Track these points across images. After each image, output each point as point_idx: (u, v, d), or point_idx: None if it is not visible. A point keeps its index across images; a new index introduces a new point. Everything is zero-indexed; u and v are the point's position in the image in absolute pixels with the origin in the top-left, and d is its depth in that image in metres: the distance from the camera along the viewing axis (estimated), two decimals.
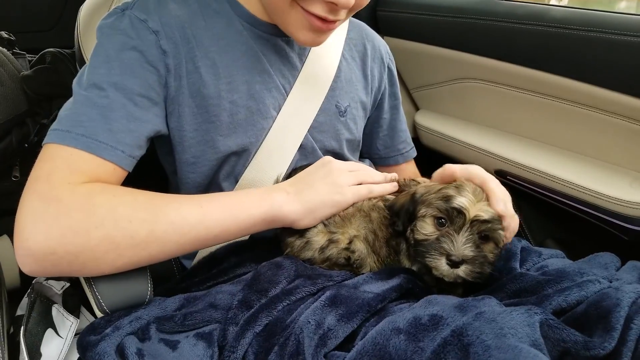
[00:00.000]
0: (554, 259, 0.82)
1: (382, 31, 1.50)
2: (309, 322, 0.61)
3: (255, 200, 0.75)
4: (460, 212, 0.67)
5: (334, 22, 0.77)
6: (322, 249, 0.78)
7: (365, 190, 0.79)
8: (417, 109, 1.56)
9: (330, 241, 0.78)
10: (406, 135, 1.11)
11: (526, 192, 1.25)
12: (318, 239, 0.78)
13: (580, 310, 0.63)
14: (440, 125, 1.42)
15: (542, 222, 1.33)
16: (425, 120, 1.48)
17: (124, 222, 0.66)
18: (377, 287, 0.68)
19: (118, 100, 0.72)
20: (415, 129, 1.52)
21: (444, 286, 0.76)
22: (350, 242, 0.77)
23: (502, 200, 0.71)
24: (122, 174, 0.73)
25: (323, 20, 0.75)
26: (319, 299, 0.65)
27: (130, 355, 0.62)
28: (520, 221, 1.31)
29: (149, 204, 0.69)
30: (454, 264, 0.67)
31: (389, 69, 1.05)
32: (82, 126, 0.69)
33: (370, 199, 0.80)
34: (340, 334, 0.60)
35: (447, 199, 0.69)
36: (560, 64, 1.07)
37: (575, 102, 1.09)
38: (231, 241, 0.84)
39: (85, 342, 0.65)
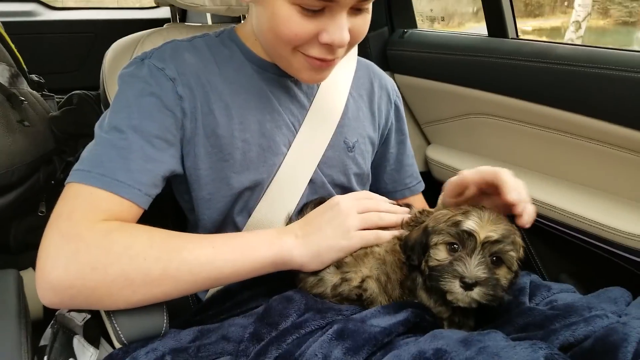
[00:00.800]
0: (563, 294, 0.82)
1: (392, 69, 1.57)
2: (316, 355, 0.63)
3: (266, 243, 0.78)
4: (470, 234, 0.69)
5: (333, 60, 0.82)
6: (335, 287, 0.80)
7: (372, 236, 0.80)
8: (428, 143, 1.60)
9: (343, 279, 0.80)
10: (413, 169, 1.14)
11: (537, 226, 1.26)
12: (331, 277, 0.81)
13: (587, 346, 0.64)
14: (450, 159, 1.46)
15: (556, 256, 1.34)
16: (436, 154, 1.52)
17: (139, 260, 0.69)
18: (385, 321, 0.70)
19: (136, 142, 0.77)
20: (426, 162, 1.55)
21: (456, 318, 0.77)
22: (362, 282, 0.79)
23: (514, 189, 0.73)
24: (138, 212, 0.77)
25: (322, 60, 0.81)
26: (327, 332, 0.67)
27: None
28: (533, 255, 1.32)
29: (164, 243, 0.73)
30: (468, 287, 0.68)
31: (396, 106, 1.09)
32: (102, 166, 0.74)
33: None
34: None
35: (457, 224, 0.71)
36: (566, 99, 1.10)
37: (583, 136, 1.12)
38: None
39: None
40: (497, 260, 0.71)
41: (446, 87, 1.40)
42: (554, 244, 1.30)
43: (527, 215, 0.74)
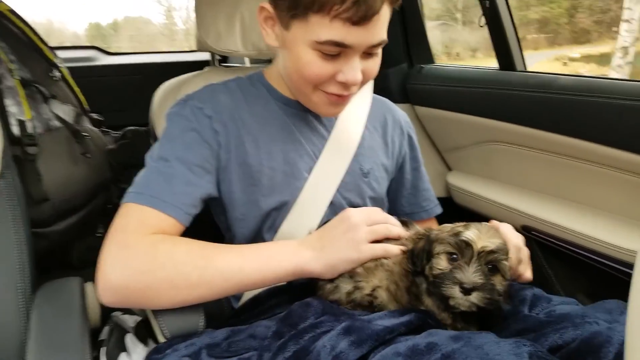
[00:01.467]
0: (563, 305, 0.87)
1: (412, 102, 1.66)
2: (325, 346, 0.73)
3: (287, 255, 0.88)
4: (468, 244, 0.77)
5: (348, 95, 0.94)
6: (349, 294, 0.89)
7: (381, 250, 0.87)
8: (449, 169, 1.69)
9: (356, 287, 0.88)
10: (429, 194, 1.22)
11: (553, 247, 1.31)
12: (345, 285, 0.89)
13: (573, 347, 0.70)
14: (470, 185, 1.53)
15: (573, 277, 1.37)
16: (457, 180, 1.59)
17: (180, 266, 0.81)
18: (388, 322, 0.77)
19: (179, 169, 0.90)
20: (447, 188, 1.63)
21: (459, 325, 0.83)
22: (373, 290, 0.88)
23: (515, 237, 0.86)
24: (180, 228, 0.89)
25: (339, 95, 0.93)
26: (336, 328, 0.78)
27: None
28: (550, 276, 1.36)
29: (201, 252, 0.85)
30: (466, 291, 0.76)
31: (409, 136, 1.19)
32: (151, 189, 0.87)
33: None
34: (350, 356, 0.70)
35: (457, 234, 0.79)
36: (569, 126, 1.17)
37: (592, 161, 1.17)
38: (271, 286, 0.99)
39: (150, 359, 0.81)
40: (492, 268, 0.78)
41: (463, 117, 1.47)
42: (571, 265, 1.33)
43: (526, 270, 0.87)
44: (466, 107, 1.46)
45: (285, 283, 1.01)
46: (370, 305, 0.89)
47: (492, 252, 0.77)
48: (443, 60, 1.86)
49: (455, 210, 1.60)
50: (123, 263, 0.80)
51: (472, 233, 0.78)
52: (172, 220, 0.87)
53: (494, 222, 0.89)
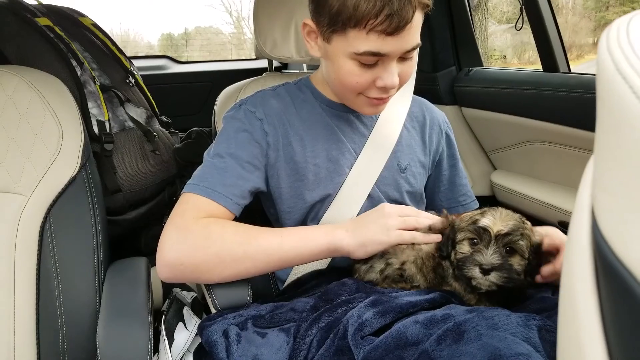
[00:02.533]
0: None
1: (459, 103, 1.71)
2: (354, 315, 0.81)
3: (322, 233, 0.96)
4: (485, 230, 0.84)
5: (388, 97, 1.02)
6: (382, 271, 0.98)
7: (408, 236, 0.94)
8: (494, 168, 1.72)
9: (387, 264, 0.97)
10: (467, 189, 1.26)
11: None
12: (378, 264, 0.98)
13: None
14: (512, 183, 1.55)
15: None
16: (500, 179, 1.62)
17: (228, 243, 0.92)
18: (413, 298, 0.85)
19: (232, 165, 1.00)
20: (491, 187, 1.66)
21: (483, 306, 0.88)
22: (402, 264, 0.96)
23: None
24: (230, 216, 0.98)
25: (379, 99, 1.01)
26: (365, 300, 0.86)
27: (232, 336, 0.86)
28: None
29: (246, 232, 0.95)
30: (485, 272, 0.82)
31: (447, 134, 1.24)
32: (206, 181, 0.98)
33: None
34: (375, 324, 0.78)
35: (475, 222, 0.86)
36: None
37: None
38: (312, 270, 1.08)
39: (203, 325, 0.91)
40: (510, 250, 0.84)
41: (508, 117, 1.51)
42: None
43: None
44: (510, 108, 1.49)
45: (325, 267, 1.10)
46: (401, 278, 0.97)
47: (507, 234, 0.83)
48: (514, 65, 1.88)
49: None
50: (179, 242, 0.92)
51: (488, 219, 0.85)
52: (223, 209, 0.97)
53: (543, 228, 0.93)
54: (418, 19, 0.92)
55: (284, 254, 0.94)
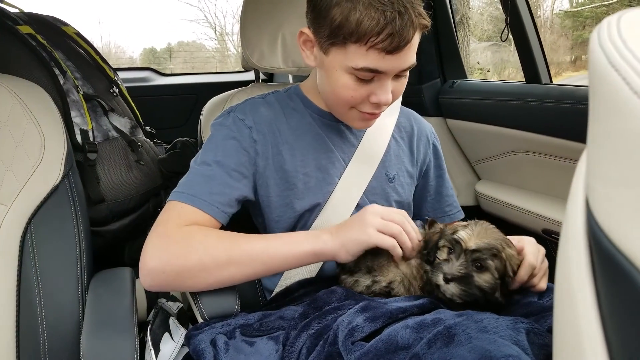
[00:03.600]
0: None
1: (444, 115, 1.73)
2: (344, 321, 0.80)
3: (307, 238, 0.95)
4: (457, 242, 0.86)
5: (379, 112, 1.03)
6: (368, 287, 0.97)
7: (389, 243, 0.91)
8: (478, 179, 1.73)
9: (374, 281, 0.97)
10: (452, 199, 1.27)
11: None
12: (364, 279, 0.97)
13: None
14: (497, 193, 1.57)
15: None
16: (485, 189, 1.63)
17: (211, 249, 0.90)
18: (402, 303, 0.85)
19: (218, 172, 0.99)
20: (476, 197, 1.68)
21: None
22: (390, 283, 0.96)
23: (532, 254, 0.90)
24: (216, 224, 0.97)
25: (371, 114, 1.02)
26: (354, 307, 0.85)
27: (220, 345, 0.85)
28: None
29: (229, 238, 0.94)
30: (446, 281, 0.85)
31: (434, 146, 1.25)
32: (192, 189, 0.97)
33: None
34: (365, 329, 0.78)
35: (454, 232, 0.87)
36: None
37: None
38: (301, 278, 1.07)
39: (190, 334, 0.90)
40: (480, 266, 0.85)
41: (492, 128, 1.53)
42: None
43: (541, 281, 0.92)
44: (494, 119, 1.52)
45: (314, 275, 1.10)
46: (388, 295, 0.96)
47: (475, 250, 0.85)
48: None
49: (483, 217, 1.64)
50: (161, 250, 0.90)
51: (465, 233, 0.86)
52: (208, 217, 0.96)
53: (517, 238, 0.95)
54: (416, 39, 0.93)
55: (269, 258, 0.93)
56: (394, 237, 0.92)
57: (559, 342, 0.37)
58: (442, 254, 0.89)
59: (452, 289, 0.85)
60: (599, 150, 0.33)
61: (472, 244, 0.85)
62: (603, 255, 0.31)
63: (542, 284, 0.92)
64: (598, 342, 0.32)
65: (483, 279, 0.85)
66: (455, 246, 0.86)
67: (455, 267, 0.85)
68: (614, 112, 0.31)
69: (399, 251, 0.93)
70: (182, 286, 0.94)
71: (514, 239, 0.93)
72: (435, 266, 0.88)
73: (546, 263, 0.94)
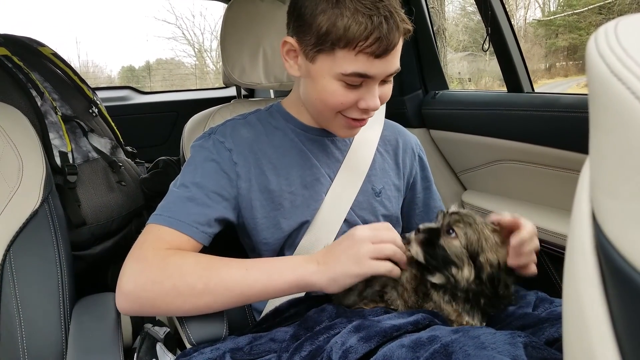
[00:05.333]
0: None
1: (427, 126, 1.73)
2: (337, 342, 0.78)
3: (290, 267, 0.91)
4: (443, 211, 0.91)
5: (366, 119, 1.02)
6: (360, 292, 0.96)
7: (383, 268, 0.89)
8: (464, 189, 1.73)
9: (367, 286, 0.96)
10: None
11: (560, 257, 1.34)
12: (357, 285, 0.96)
13: None
14: (483, 202, 1.57)
15: None
16: (471, 199, 1.63)
17: (187, 276, 0.87)
18: (396, 321, 0.83)
19: (197, 194, 0.97)
20: (462, 207, 1.68)
21: (464, 321, 0.89)
22: (383, 287, 0.95)
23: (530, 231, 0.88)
24: (197, 246, 0.95)
25: (358, 120, 1.01)
26: (347, 327, 0.83)
27: None
28: (558, 282, 1.39)
29: (207, 264, 0.90)
30: (416, 233, 0.90)
31: (420, 157, 1.25)
32: (170, 211, 0.95)
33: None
34: (359, 350, 0.76)
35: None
36: (573, 142, 1.21)
37: None
38: (290, 298, 1.03)
39: None
40: (450, 231, 0.86)
41: (475, 138, 1.53)
42: None
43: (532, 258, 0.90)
44: (477, 128, 1.52)
45: (304, 295, 1.07)
46: (381, 299, 0.95)
47: (453, 214, 0.87)
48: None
49: None
50: (137, 274, 0.88)
51: (455, 207, 0.91)
52: (186, 238, 0.94)
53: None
54: (401, 44, 0.95)
55: (248, 288, 0.90)
56: (389, 259, 0.90)
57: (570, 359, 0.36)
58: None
59: (415, 247, 0.88)
60: (605, 163, 0.32)
61: (453, 209, 0.87)
62: (615, 271, 0.30)
63: (533, 268, 0.90)
64: (612, 358, 0.31)
65: (449, 243, 0.86)
66: (440, 213, 0.89)
67: (428, 224, 0.88)
68: (619, 122, 0.30)
69: (397, 272, 0.90)
70: (157, 311, 0.91)
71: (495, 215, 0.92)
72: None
73: (538, 244, 0.91)
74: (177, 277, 0.87)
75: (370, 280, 0.95)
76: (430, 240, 0.87)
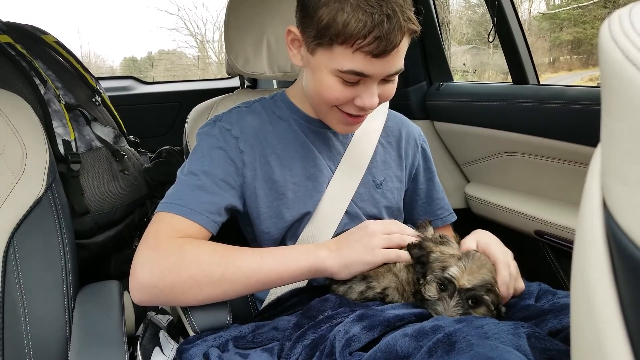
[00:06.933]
0: (568, 298, 0.90)
1: (431, 117, 1.72)
2: (340, 331, 0.79)
3: (304, 254, 0.93)
4: (450, 281, 0.84)
5: (363, 116, 1.01)
6: (362, 292, 0.95)
7: (394, 255, 0.92)
8: (467, 181, 1.73)
9: (368, 287, 0.95)
10: (444, 202, 1.26)
11: (563, 250, 1.34)
12: (358, 286, 0.95)
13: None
14: (487, 195, 1.56)
15: None
16: (474, 191, 1.63)
17: (204, 265, 0.88)
18: (399, 311, 0.83)
19: (206, 182, 0.97)
20: (466, 199, 1.67)
21: None
22: (384, 289, 0.94)
23: (505, 264, 0.87)
24: (207, 234, 0.95)
25: (355, 116, 1.00)
26: (351, 316, 0.83)
27: (212, 358, 0.83)
28: (561, 274, 1.39)
29: (224, 252, 0.91)
30: None
31: (422, 149, 1.24)
32: (181, 199, 0.95)
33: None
34: (362, 339, 0.77)
35: (444, 269, 0.85)
36: (579, 135, 1.21)
37: None
38: (292, 287, 1.04)
39: (182, 348, 0.87)
40: (475, 302, 0.84)
41: (479, 130, 1.52)
42: None
43: (518, 283, 0.89)
44: (482, 120, 1.51)
45: (305, 284, 1.08)
46: (382, 301, 0.95)
47: (469, 289, 0.83)
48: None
49: (474, 219, 1.64)
50: (153, 264, 0.88)
51: (456, 270, 0.84)
52: (198, 227, 0.94)
53: (474, 238, 0.93)
54: (405, 44, 0.92)
55: (264, 276, 0.91)
56: (399, 246, 0.93)
57: (578, 350, 0.35)
58: (431, 290, 0.87)
59: None
60: (617, 149, 0.32)
61: (465, 282, 0.83)
62: (626, 258, 0.30)
63: (520, 284, 0.90)
64: (622, 349, 0.31)
65: (479, 313, 0.84)
66: (449, 285, 0.85)
67: (451, 308, 0.83)
68: (633, 107, 0.30)
69: (407, 256, 0.92)
70: (173, 301, 0.91)
71: (471, 239, 0.92)
72: (427, 303, 0.87)
73: (515, 264, 0.91)
74: (194, 266, 0.87)
75: (371, 282, 0.95)
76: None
